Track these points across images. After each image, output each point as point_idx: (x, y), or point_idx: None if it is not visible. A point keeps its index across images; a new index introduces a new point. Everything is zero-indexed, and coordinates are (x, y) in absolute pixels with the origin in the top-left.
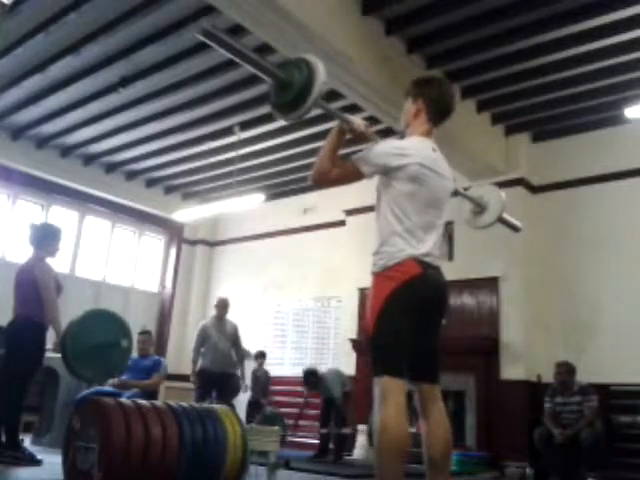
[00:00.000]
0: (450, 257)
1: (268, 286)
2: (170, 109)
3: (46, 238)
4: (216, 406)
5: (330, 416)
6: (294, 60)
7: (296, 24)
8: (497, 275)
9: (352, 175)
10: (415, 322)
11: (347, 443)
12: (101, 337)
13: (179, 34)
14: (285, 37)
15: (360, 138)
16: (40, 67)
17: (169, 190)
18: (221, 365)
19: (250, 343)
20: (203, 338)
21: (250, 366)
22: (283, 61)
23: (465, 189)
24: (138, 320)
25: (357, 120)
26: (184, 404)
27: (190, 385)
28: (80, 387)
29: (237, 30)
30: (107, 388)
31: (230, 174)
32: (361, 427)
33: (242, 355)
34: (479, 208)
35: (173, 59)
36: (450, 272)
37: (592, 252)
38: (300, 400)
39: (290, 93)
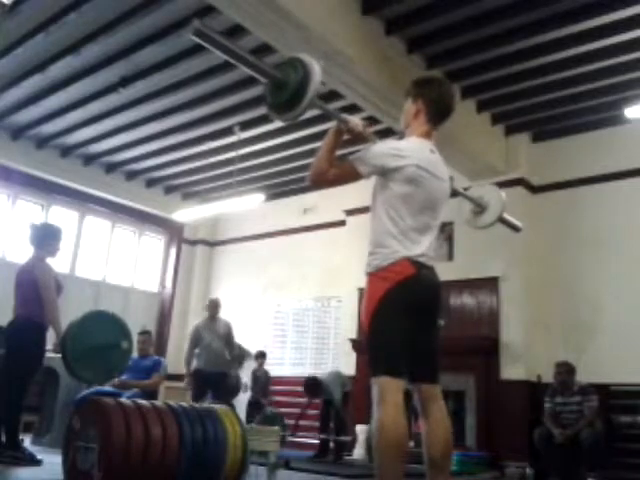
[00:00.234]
0: (450, 257)
1: (268, 286)
2: (170, 109)
3: (46, 238)
4: (216, 406)
5: (330, 417)
6: (289, 60)
7: (296, 24)
8: (497, 275)
9: (350, 175)
10: (410, 322)
11: (347, 443)
12: (101, 338)
13: (179, 34)
14: (285, 37)
15: (358, 138)
16: (40, 67)
17: (169, 190)
18: (215, 365)
19: (250, 343)
20: (196, 339)
21: (250, 366)
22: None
23: (465, 189)
24: (138, 320)
25: (355, 120)
26: (184, 404)
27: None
28: (80, 387)
29: (237, 30)
30: (107, 388)
31: (230, 174)
32: (360, 427)
33: (236, 354)
34: (479, 208)
35: (173, 59)
36: (450, 272)
37: (592, 252)
38: (300, 400)
39: (286, 93)
